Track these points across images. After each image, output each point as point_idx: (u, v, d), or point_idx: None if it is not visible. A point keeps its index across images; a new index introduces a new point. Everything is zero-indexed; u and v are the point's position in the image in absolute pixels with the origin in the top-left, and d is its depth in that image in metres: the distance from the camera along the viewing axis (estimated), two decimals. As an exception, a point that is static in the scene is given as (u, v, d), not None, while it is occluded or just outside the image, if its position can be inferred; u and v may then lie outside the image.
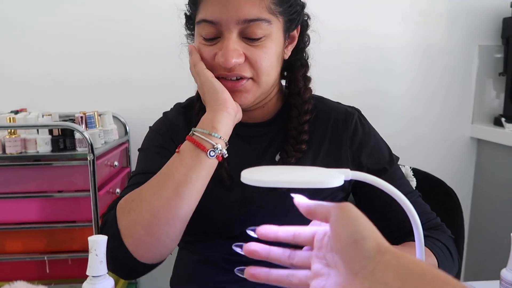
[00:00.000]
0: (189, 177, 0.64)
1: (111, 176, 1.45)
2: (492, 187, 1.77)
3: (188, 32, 0.80)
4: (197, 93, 0.80)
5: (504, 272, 0.58)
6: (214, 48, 0.69)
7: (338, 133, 0.80)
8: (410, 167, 1.10)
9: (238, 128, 0.82)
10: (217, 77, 0.70)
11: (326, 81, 1.74)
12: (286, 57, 0.77)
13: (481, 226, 1.81)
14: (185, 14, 0.78)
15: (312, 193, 0.75)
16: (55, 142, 1.28)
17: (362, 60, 1.75)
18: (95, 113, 1.38)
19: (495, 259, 1.68)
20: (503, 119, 1.68)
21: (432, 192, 1.08)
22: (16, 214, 1.28)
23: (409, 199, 0.51)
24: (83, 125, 1.31)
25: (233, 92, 0.71)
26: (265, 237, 0.49)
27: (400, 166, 1.12)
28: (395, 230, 0.77)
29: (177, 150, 0.68)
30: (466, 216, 1.87)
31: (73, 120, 1.31)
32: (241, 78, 0.70)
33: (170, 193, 0.64)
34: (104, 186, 1.32)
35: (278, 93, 0.82)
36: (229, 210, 0.76)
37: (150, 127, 0.87)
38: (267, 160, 0.79)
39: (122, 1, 1.61)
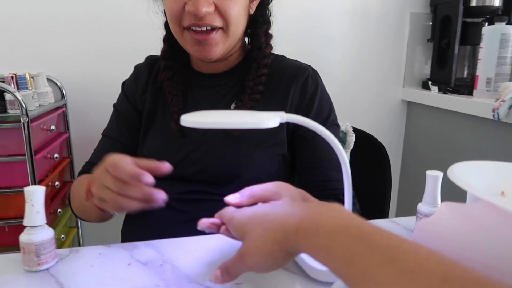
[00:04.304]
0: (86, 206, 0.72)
1: (48, 141, 1.39)
2: (420, 143, 1.93)
3: None
4: (162, 50, 0.85)
5: (419, 206, 0.66)
6: None
7: (288, 85, 0.83)
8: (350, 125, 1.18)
9: (198, 78, 0.85)
10: (187, 28, 0.73)
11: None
12: (252, 11, 0.80)
13: (410, 177, 1.99)
14: None
15: (255, 144, 0.79)
16: (-18, 104, 1.20)
17: (300, 23, 1.78)
18: (28, 74, 1.30)
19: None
20: (430, 83, 1.82)
21: (365, 147, 1.17)
22: None
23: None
24: (14, 86, 1.23)
25: (204, 45, 0.73)
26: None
27: (341, 123, 1.19)
28: (323, 186, 0.80)
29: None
30: (397, 168, 2.03)
31: (2, 81, 1.23)
32: (212, 29, 0.72)
33: (81, 206, 0.78)
34: (41, 151, 1.27)
35: (240, 48, 0.86)
36: (181, 153, 0.79)
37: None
38: (222, 108, 0.82)
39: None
